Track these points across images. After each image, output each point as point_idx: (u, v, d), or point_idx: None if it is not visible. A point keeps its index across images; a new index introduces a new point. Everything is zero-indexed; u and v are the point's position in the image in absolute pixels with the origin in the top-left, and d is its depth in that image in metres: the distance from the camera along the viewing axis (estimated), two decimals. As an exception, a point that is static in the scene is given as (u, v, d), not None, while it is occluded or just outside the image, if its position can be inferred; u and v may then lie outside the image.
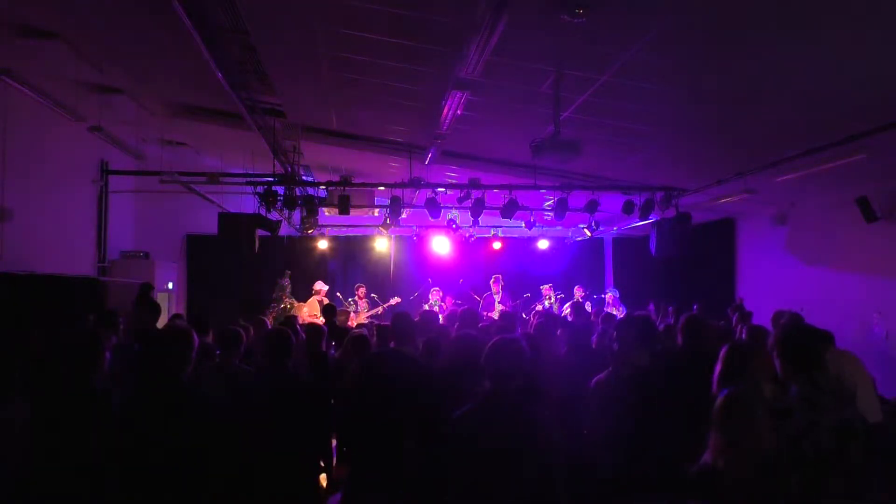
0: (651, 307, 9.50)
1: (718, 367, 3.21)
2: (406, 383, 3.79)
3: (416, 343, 4.34)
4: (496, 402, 2.82)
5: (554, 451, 2.73)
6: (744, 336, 5.42)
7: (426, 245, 12.92)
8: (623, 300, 11.46)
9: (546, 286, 11.71)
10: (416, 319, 4.56)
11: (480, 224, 10.31)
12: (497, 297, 11.20)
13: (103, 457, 2.98)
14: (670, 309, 8.51)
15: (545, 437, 2.74)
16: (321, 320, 8.16)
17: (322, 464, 3.87)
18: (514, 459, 2.69)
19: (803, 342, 2.87)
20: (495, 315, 9.94)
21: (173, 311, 10.76)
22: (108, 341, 3.89)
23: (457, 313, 5.88)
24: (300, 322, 7.74)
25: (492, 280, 11.42)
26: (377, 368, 3.99)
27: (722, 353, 3.29)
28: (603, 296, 11.88)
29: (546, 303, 11.41)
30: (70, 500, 2.98)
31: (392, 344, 4.16)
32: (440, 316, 8.52)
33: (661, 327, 6.56)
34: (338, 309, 9.69)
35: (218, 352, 4.66)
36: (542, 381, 3.98)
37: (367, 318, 10.86)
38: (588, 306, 10.18)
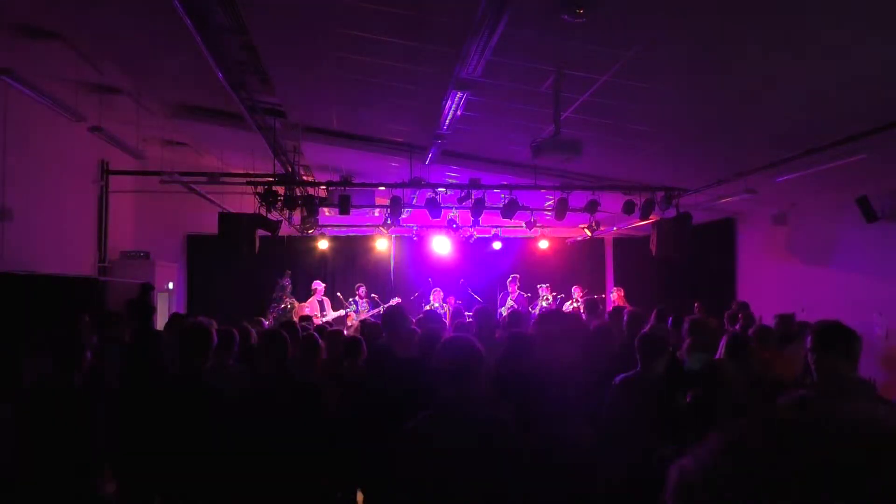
0: (653, 316, 9.42)
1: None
2: (406, 383, 3.78)
3: (408, 335, 4.34)
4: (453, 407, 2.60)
5: (512, 458, 2.52)
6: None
7: (426, 245, 12.90)
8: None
9: (543, 286, 11.68)
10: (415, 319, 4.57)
11: (481, 224, 10.31)
12: (512, 297, 11.25)
13: (90, 453, 3.01)
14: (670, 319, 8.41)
15: (503, 440, 2.54)
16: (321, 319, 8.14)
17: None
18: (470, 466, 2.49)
19: (840, 327, 2.76)
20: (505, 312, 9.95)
21: (173, 311, 10.74)
22: (89, 341, 3.93)
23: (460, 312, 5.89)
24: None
25: (509, 280, 11.49)
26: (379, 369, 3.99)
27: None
28: (606, 295, 11.85)
29: (543, 303, 11.39)
30: (54, 496, 3.00)
31: (384, 336, 4.16)
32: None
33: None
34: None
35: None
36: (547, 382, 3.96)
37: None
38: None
